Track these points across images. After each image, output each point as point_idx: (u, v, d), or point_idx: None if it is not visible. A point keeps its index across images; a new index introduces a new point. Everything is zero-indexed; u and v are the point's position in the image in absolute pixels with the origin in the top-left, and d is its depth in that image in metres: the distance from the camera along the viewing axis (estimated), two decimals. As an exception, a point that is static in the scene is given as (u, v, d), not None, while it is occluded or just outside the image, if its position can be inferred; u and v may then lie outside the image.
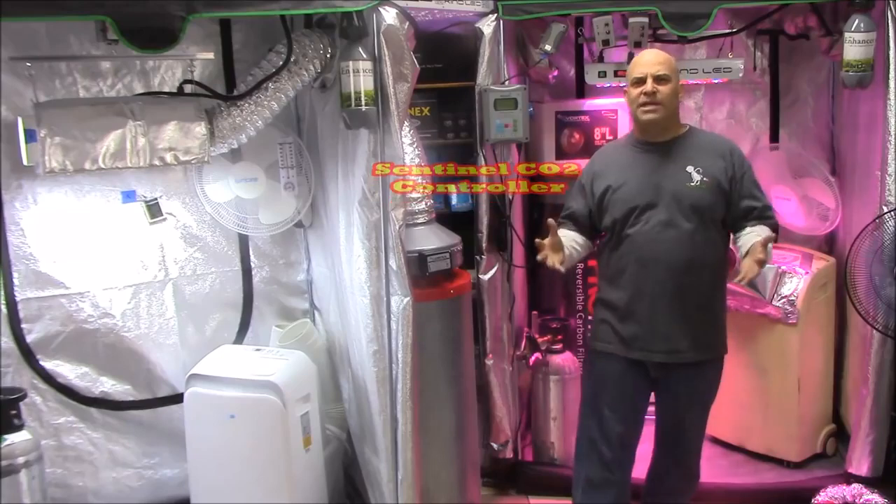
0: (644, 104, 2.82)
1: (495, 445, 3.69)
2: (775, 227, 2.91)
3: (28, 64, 2.88)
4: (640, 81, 2.82)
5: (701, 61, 3.80)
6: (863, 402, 3.36)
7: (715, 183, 2.83)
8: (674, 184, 2.83)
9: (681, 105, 4.06)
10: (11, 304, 3.07)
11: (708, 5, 3.20)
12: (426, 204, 3.24)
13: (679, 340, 2.85)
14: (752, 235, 2.81)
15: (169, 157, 2.90)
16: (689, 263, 2.82)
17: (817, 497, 3.31)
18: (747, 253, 2.76)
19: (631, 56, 3.54)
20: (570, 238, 2.95)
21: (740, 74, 3.75)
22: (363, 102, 2.83)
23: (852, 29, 3.11)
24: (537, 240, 2.85)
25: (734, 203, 2.86)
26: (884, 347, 3.27)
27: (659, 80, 2.81)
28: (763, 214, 2.88)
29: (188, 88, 3.06)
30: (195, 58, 3.14)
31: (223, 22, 3.26)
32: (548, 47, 3.47)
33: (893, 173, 3.18)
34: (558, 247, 2.84)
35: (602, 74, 3.68)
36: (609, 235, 2.92)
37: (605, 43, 3.47)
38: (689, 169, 2.83)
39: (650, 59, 2.85)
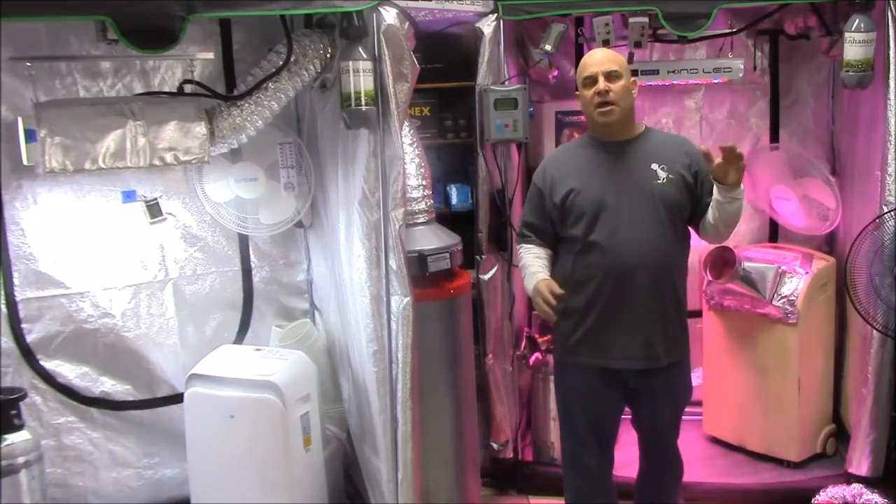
0: (600, 105, 2.74)
1: (495, 445, 3.69)
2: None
3: (28, 64, 2.88)
4: (592, 81, 2.75)
5: (701, 61, 3.80)
6: (863, 402, 3.36)
7: (680, 179, 2.78)
8: (640, 182, 2.77)
9: (681, 105, 4.11)
10: (11, 304, 3.07)
11: (708, 5, 3.20)
12: (426, 204, 3.25)
13: (658, 345, 2.80)
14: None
15: (169, 157, 2.90)
16: (663, 264, 2.77)
17: (817, 497, 3.31)
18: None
19: (631, 56, 3.55)
20: (541, 264, 2.86)
21: (740, 74, 3.75)
22: (363, 102, 2.83)
23: (852, 29, 3.11)
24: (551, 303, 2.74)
25: (701, 197, 2.81)
26: (884, 347, 3.27)
27: (610, 77, 2.74)
28: None
29: (188, 88, 3.06)
30: (195, 58, 3.14)
31: (223, 22, 3.26)
32: (548, 47, 3.47)
33: (893, 173, 3.18)
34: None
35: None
36: (573, 240, 2.81)
37: (605, 43, 3.46)
38: (654, 167, 2.78)
39: (599, 58, 2.79)
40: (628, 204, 2.75)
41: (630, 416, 3.05)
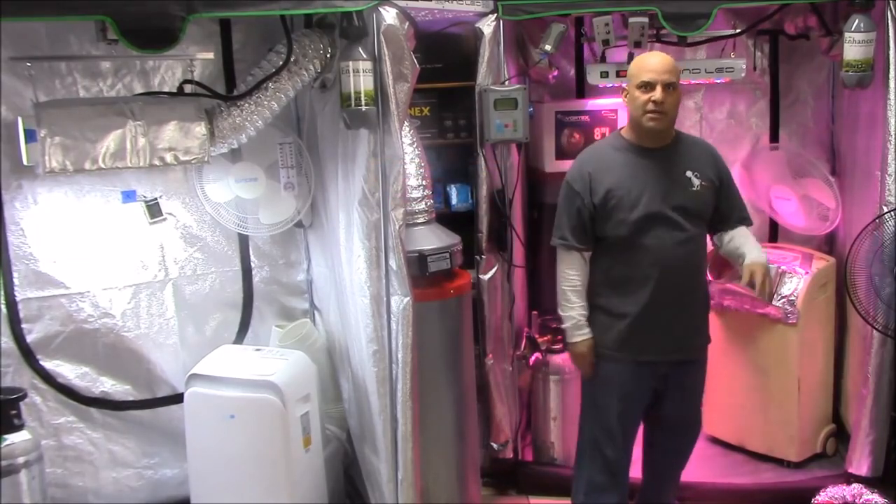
0: (651, 112, 2.78)
1: (495, 445, 3.68)
2: (750, 225, 3.06)
3: (28, 64, 2.88)
4: (649, 87, 2.77)
5: (704, 61, 3.78)
6: (863, 402, 3.36)
7: (710, 186, 2.91)
8: (679, 190, 2.86)
9: (681, 105, 4.10)
10: (11, 304, 3.07)
11: (708, 5, 3.20)
12: (426, 204, 3.24)
13: (692, 340, 2.96)
14: (748, 244, 2.96)
15: (169, 157, 2.89)
16: (696, 266, 2.92)
17: (817, 497, 3.30)
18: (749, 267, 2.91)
19: (631, 56, 3.54)
20: (581, 294, 2.93)
21: (742, 74, 3.75)
22: (363, 102, 2.83)
23: (852, 29, 3.11)
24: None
25: (720, 205, 2.95)
26: (884, 347, 3.27)
27: (667, 87, 2.78)
28: (743, 216, 3.02)
29: (188, 88, 3.06)
30: (195, 58, 3.14)
31: (223, 22, 3.26)
32: (548, 47, 3.47)
33: (893, 173, 3.18)
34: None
35: (604, 75, 3.66)
36: (614, 241, 2.88)
37: (605, 43, 3.47)
38: (689, 174, 2.88)
39: (660, 67, 2.79)
40: (668, 208, 2.83)
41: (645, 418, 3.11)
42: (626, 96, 2.89)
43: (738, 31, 3.69)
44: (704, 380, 3.12)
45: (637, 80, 2.81)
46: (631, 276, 2.87)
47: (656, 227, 2.83)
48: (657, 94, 2.76)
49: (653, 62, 2.82)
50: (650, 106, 2.78)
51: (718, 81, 3.80)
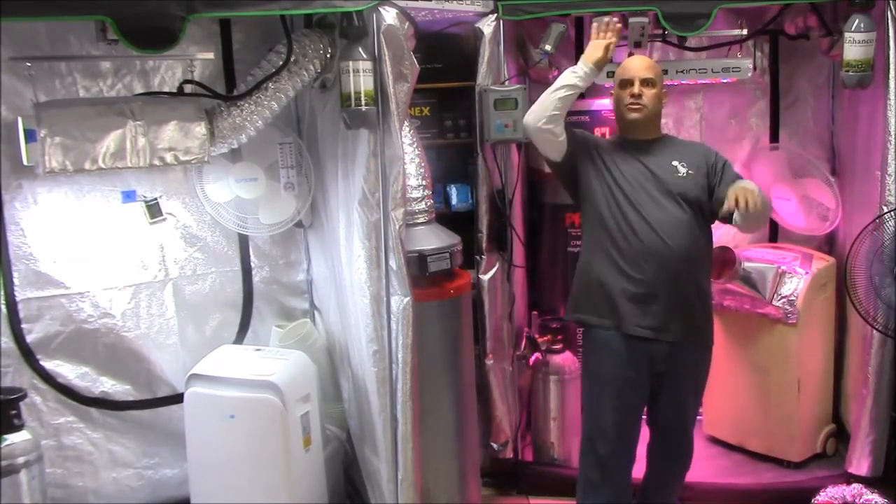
0: (630, 104, 2.95)
1: (495, 445, 3.69)
2: None
3: (28, 64, 2.88)
4: (628, 84, 2.97)
5: (710, 61, 3.77)
6: (863, 402, 3.36)
7: (698, 174, 2.96)
8: (662, 175, 2.94)
9: (681, 105, 4.11)
10: (11, 304, 3.07)
11: (708, 5, 3.20)
12: (426, 204, 3.24)
13: (679, 319, 2.92)
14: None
15: (169, 157, 2.89)
16: (682, 249, 2.89)
17: (817, 497, 3.30)
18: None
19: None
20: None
21: (749, 74, 3.74)
22: (363, 102, 2.83)
23: (852, 29, 3.11)
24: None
25: (721, 187, 2.92)
26: (884, 347, 3.27)
27: (645, 83, 2.96)
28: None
29: (188, 88, 3.06)
30: (195, 58, 3.14)
31: (223, 22, 3.26)
32: (548, 47, 3.47)
33: (893, 173, 3.18)
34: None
35: (610, 74, 3.66)
36: (600, 215, 2.95)
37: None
38: (675, 163, 2.96)
39: (638, 65, 3.01)
40: (649, 192, 2.91)
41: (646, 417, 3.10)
42: (613, 99, 3.06)
43: (743, 31, 3.68)
44: (701, 388, 3.11)
45: (618, 80, 3.01)
46: (617, 251, 2.91)
47: (634, 206, 2.90)
48: (635, 87, 2.95)
49: (632, 63, 3.04)
50: (628, 99, 2.96)
51: (725, 81, 3.80)
